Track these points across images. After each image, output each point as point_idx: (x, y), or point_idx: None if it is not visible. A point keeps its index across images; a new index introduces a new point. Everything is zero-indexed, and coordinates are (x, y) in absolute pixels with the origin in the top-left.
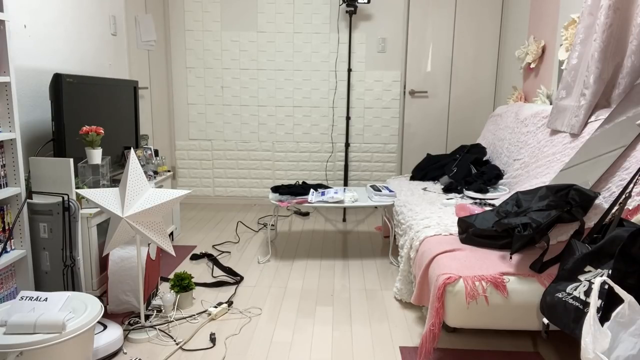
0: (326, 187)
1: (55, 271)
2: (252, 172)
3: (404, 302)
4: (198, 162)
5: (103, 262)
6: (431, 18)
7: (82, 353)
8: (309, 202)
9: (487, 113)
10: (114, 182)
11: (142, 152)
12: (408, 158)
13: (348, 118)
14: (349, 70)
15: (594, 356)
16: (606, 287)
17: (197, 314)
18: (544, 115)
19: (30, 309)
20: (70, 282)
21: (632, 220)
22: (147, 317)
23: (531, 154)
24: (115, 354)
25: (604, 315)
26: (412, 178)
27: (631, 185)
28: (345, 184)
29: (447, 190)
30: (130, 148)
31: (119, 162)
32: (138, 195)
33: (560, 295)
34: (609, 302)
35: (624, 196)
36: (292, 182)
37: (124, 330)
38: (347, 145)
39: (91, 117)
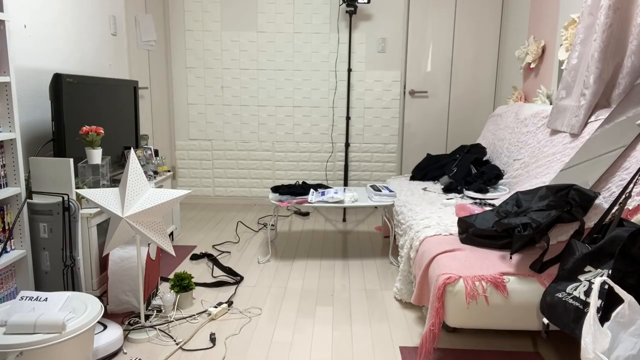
0: (326, 187)
1: (55, 271)
2: (252, 172)
3: (404, 302)
4: (198, 162)
5: (103, 262)
6: (431, 18)
7: (82, 353)
8: (309, 202)
9: (487, 113)
10: (114, 182)
11: (142, 152)
12: (408, 158)
13: (348, 118)
14: (349, 70)
15: (594, 356)
16: (606, 287)
17: (197, 314)
18: (544, 115)
19: (30, 309)
20: (70, 282)
21: (632, 220)
22: (147, 317)
23: (531, 154)
24: (115, 354)
25: (604, 315)
26: (412, 178)
27: (631, 185)
28: (345, 184)
29: (447, 190)
30: (130, 148)
31: (119, 162)
32: (138, 195)
33: (560, 295)
34: (609, 302)
35: (624, 196)
36: (292, 182)
37: (124, 330)
38: (347, 145)
39: (91, 117)
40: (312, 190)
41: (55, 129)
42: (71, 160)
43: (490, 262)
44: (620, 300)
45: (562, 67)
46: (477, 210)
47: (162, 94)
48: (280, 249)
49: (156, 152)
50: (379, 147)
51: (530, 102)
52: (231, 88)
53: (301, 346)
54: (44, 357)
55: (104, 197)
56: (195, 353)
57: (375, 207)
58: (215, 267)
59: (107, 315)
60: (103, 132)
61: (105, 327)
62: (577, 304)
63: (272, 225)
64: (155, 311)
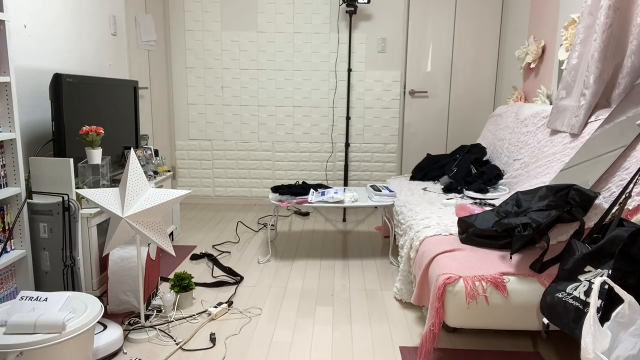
0: (326, 187)
1: (55, 271)
2: (252, 172)
3: (404, 302)
4: (198, 162)
5: (103, 262)
6: (431, 18)
7: (82, 353)
8: (309, 202)
9: (487, 113)
10: (114, 182)
11: (142, 152)
12: (408, 158)
13: (348, 118)
14: (349, 70)
15: (594, 356)
16: (606, 287)
17: (197, 314)
18: (544, 115)
19: (30, 309)
20: (70, 282)
21: (632, 220)
22: (147, 317)
23: (531, 154)
24: (115, 354)
25: (604, 315)
26: (412, 178)
27: (631, 185)
28: (345, 184)
29: (447, 190)
30: (130, 148)
31: (119, 162)
32: (138, 195)
33: (560, 295)
34: (609, 302)
35: (624, 196)
36: (292, 182)
37: (124, 330)
38: (347, 145)
39: (91, 117)
40: (312, 190)
41: (55, 129)
42: (71, 160)
43: (490, 262)
44: (620, 300)
45: (562, 67)
46: (477, 210)
47: (162, 94)
48: (280, 249)
49: (156, 152)
50: (379, 147)
51: (530, 102)
52: (231, 88)
53: (301, 346)
54: (44, 357)
55: (104, 197)
56: (195, 353)
57: (375, 207)
58: (215, 267)
59: (107, 315)
60: (103, 132)
61: (105, 327)
62: (577, 304)
63: (272, 225)
64: (155, 311)
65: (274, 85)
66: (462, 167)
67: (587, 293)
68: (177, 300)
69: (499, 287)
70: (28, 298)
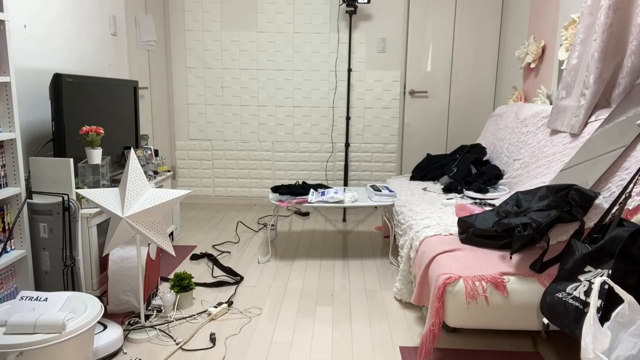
0: (326, 187)
1: (55, 271)
2: (252, 172)
3: (404, 302)
4: (198, 162)
5: (103, 262)
6: (431, 18)
7: (82, 353)
8: (309, 202)
9: (487, 113)
10: (114, 182)
11: (142, 152)
12: (408, 158)
13: (348, 118)
14: (349, 70)
15: (594, 356)
16: (606, 287)
17: (197, 314)
18: (544, 115)
19: (30, 309)
20: (70, 282)
21: (632, 220)
22: (147, 317)
23: (531, 154)
24: (115, 354)
25: (604, 315)
26: (412, 178)
27: (631, 185)
28: (345, 184)
29: (447, 190)
30: (130, 148)
31: (119, 162)
32: (138, 195)
33: (560, 295)
34: (609, 302)
35: (624, 196)
36: (292, 182)
37: (124, 330)
38: (347, 145)
39: (91, 117)
40: (312, 190)
41: (55, 129)
42: (71, 160)
43: (490, 262)
44: (620, 300)
45: (562, 67)
46: (477, 210)
47: (162, 94)
48: (280, 249)
49: (156, 152)
50: (379, 147)
51: (530, 102)
52: (231, 88)
53: (301, 346)
54: (44, 357)
55: (104, 197)
56: (195, 353)
57: (375, 207)
58: (215, 267)
59: (107, 315)
60: (103, 132)
61: (105, 327)
62: (577, 304)
63: (272, 225)
64: (155, 311)
65: (274, 85)
66: (462, 167)
67: (587, 293)
68: (177, 300)
69: (499, 287)
70: (28, 298)
